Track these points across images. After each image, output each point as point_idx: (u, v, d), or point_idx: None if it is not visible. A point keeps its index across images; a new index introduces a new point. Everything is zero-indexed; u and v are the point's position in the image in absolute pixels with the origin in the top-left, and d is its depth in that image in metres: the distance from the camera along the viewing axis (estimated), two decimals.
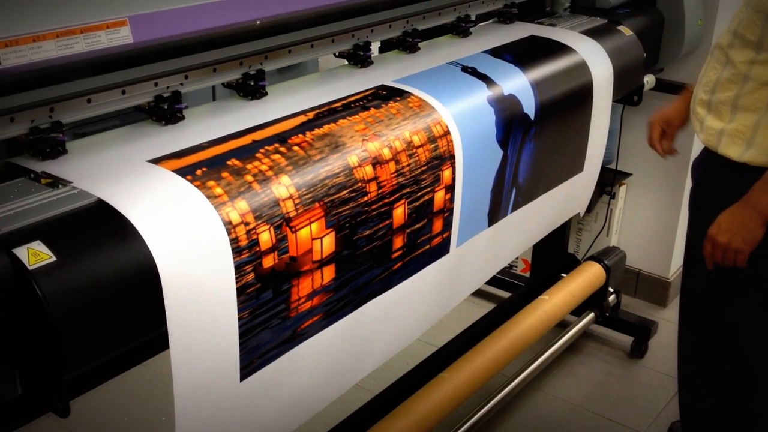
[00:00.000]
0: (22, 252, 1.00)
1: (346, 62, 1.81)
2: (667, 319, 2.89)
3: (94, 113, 1.28)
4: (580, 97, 2.02)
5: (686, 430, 2.05)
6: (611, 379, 2.66)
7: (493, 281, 2.27)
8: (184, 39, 1.34)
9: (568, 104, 1.98)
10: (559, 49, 2.02)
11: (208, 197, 1.20)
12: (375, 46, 1.85)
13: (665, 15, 2.46)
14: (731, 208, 1.64)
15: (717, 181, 1.74)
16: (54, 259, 1.01)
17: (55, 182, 1.17)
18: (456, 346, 2.31)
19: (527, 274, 3.04)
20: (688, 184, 2.79)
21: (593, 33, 2.16)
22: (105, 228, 1.10)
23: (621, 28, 2.26)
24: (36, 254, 1.00)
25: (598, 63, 2.06)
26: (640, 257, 2.99)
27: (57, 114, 1.23)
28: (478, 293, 2.22)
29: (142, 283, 1.09)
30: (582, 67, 2.02)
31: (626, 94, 2.37)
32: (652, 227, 2.95)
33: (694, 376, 1.97)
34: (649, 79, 2.46)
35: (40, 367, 1.06)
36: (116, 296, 1.07)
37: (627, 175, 2.89)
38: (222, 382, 1.26)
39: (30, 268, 0.99)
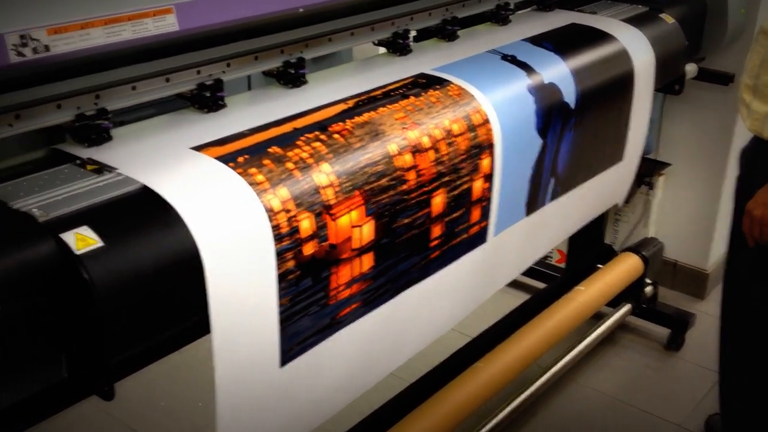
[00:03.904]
0: (69, 237, 1.01)
1: (379, 51, 1.80)
2: (705, 312, 2.85)
3: (138, 100, 1.30)
4: (621, 85, 2.00)
5: (726, 422, 2.03)
6: (648, 372, 2.64)
7: (527, 272, 2.25)
8: (228, 27, 1.34)
9: (609, 93, 1.96)
10: (599, 37, 2.00)
11: (250, 184, 1.20)
12: (410, 35, 1.84)
13: (708, 3, 2.42)
14: None
15: (763, 168, 1.72)
16: (101, 244, 1.02)
17: (101, 168, 1.18)
18: (491, 336, 2.31)
19: (562, 265, 3.02)
20: (728, 174, 2.77)
21: (635, 21, 2.13)
22: (150, 214, 1.11)
23: (663, 15, 2.23)
24: (83, 239, 1.01)
25: (639, 51, 2.04)
26: (678, 248, 2.95)
27: (103, 101, 1.24)
28: (513, 284, 2.20)
29: (186, 269, 1.10)
30: (623, 56, 1.99)
31: (667, 83, 2.33)
32: (690, 218, 2.91)
33: (734, 367, 1.96)
34: (690, 68, 2.42)
35: (86, 351, 1.07)
36: (161, 281, 1.08)
37: (666, 165, 2.85)
38: (263, 367, 1.27)
39: (77, 253, 1.00)
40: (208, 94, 1.40)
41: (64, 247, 1.01)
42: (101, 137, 1.25)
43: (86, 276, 0.99)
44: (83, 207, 1.08)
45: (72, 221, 1.04)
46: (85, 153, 1.23)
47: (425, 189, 1.47)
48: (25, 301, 0.99)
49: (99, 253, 1.01)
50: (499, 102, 1.63)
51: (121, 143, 1.28)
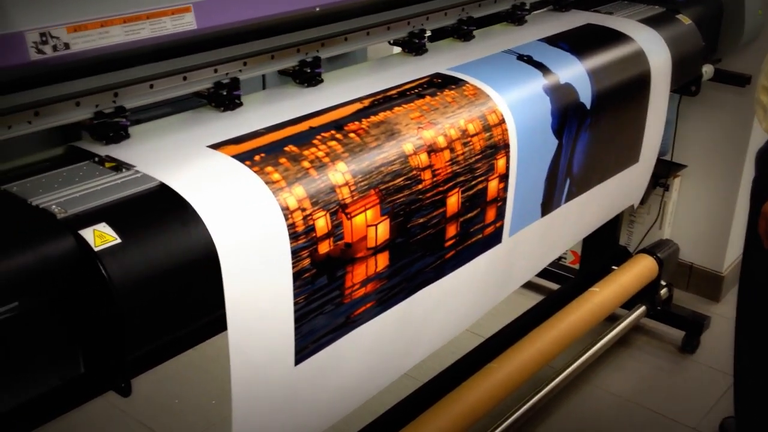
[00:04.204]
0: (88, 233, 1.02)
1: (394, 51, 1.80)
2: (720, 314, 2.84)
3: (155, 99, 1.31)
4: (637, 86, 1.99)
5: (741, 425, 2.02)
6: (662, 374, 2.63)
7: (542, 273, 2.26)
8: (245, 26, 1.35)
9: (625, 94, 1.96)
10: (616, 37, 2.00)
11: (267, 183, 1.21)
12: (426, 35, 1.85)
13: (724, 4, 2.41)
14: None
15: None
16: (119, 240, 1.02)
17: (119, 166, 1.19)
18: (504, 336, 2.30)
19: (576, 266, 3.01)
20: (745, 177, 2.76)
21: (651, 21, 2.13)
22: (167, 211, 1.11)
23: (679, 16, 2.22)
24: (101, 236, 1.02)
25: (655, 52, 2.03)
26: (693, 251, 2.94)
27: (121, 99, 1.25)
28: (527, 285, 2.19)
29: (202, 266, 1.11)
30: (639, 56, 1.99)
31: (684, 84, 2.32)
32: (706, 220, 2.90)
33: (749, 370, 1.95)
34: (707, 69, 2.41)
35: (103, 347, 1.08)
36: (177, 278, 1.09)
37: (682, 167, 2.84)
38: (277, 366, 1.27)
39: (96, 249, 1.01)
40: (224, 93, 1.40)
41: (83, 243, 1.01)
42: (119, 135, 1.26)
43: (104, 272, 1.00)
44: (101, 204, 1.08)
45: (90, 218, 1.05)
46: (103, 150, 1.24)
47: (440, 189, 1.47)
48: (43, 297, 1.00)
49: (117, 249, 1.02)
50: (514, 102, 1.63)
51: (138, 141, 1.29)
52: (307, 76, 1.55)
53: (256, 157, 1.25)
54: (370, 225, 1.35)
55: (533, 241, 1.83)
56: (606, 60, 1.90)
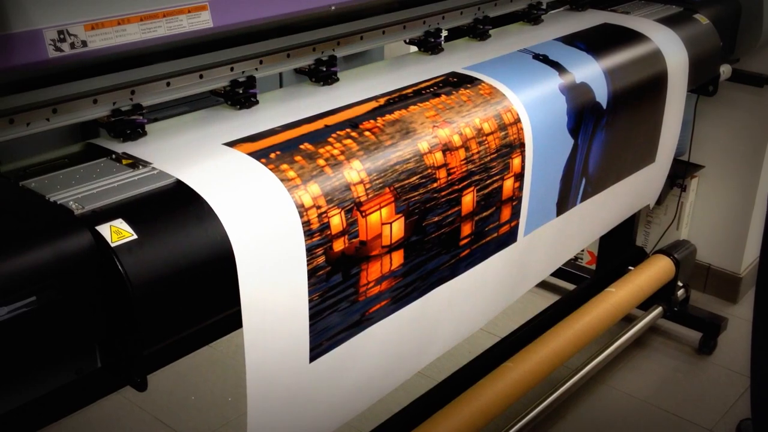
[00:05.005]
0: (104, 229, 1.03)
1: (411, 50, 1.81)
2: (738, 316, 2.82)
3: (172, 96, 1.32)
4: (654, 86, 1.98)
5: (758, 427, 2.00)
6: (678, 375, 2.61)
7: (557, 273, 2.25)
8: (261, 24, 1.36)
9: (642, 93, 1.95)
10: (633, 37, 1.99)
11: (282, 180, 1.21)
12: (442, 34, 1.85)
13: (743, 4, 2.39)
14: None
15: None
16: (135, 236, 1.03)
17: (136, 163, 1.20)
18: (519, 336, 2.30)
19: (593, 267, 3.00)
20: (762, 177, 2.74)
21: (668, 21, 2.12)
22: (183, 208, 1.12)
23: (697, 16, 2.21)
24: (118, 232, 1.03)
25: (673, 52, 2.02)
26: (711, 252, 2.92)
27: (138, 97, 1.26)
28: (542, 284, 2.19)
29: (218, 263, 1.12)
30: (656, 56, 1.98)
31: (701, 84, 2.31)
32: (723, 221, 2.88)
33: (767, 372, 1.93)
34: (725, 69, 2.40)
35: (120, 342, 1.09)
36: (193, 274, 1.09)
37: (699, 167, 2.83)
38: (292, 363, 1.28)
39: (112, 245, 1.02)
40: (240, 91, 1.41)
41: (100, 239, 1.02)
42: (136, 132, 1.27)
43: (120, 268, 1.01)
44: (118, 200, 1.09)
45: (107, 214, 1.06)
46: (120, 148, 1.25)
47: (455, 187, 1.47)
48: (60, 292, 1.01)
49: (133, 245, 1.03)
50: (530, 101, 1.62)
51: (155, 139, 1.30)
52: (323, 74, 1.55)
53: (272, 155, 1.25)
54: (385, 223, 1.35)
55: (548, 240, 1.82)
56: (622, 60, 1.89)
